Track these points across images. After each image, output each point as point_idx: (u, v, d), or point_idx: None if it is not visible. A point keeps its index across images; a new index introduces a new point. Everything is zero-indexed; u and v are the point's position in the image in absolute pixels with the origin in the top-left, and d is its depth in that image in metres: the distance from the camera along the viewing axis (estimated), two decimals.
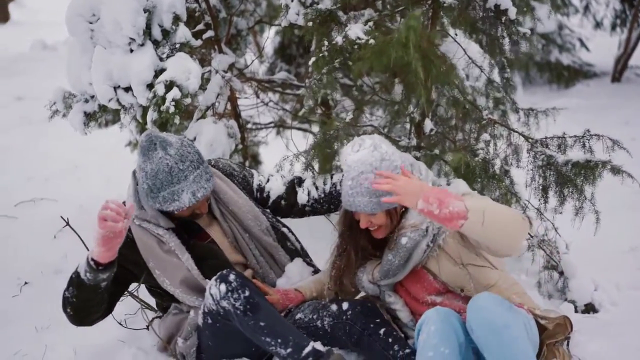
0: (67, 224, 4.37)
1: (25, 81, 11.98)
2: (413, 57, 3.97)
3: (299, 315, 3.95)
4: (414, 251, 3.72)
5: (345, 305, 3.84)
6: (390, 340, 3.70)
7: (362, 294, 4.12)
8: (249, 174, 4.31)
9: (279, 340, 3.55)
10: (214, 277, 3.70)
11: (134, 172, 3.93)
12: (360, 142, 3.69)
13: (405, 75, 4.49)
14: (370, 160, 3.60)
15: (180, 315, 4.00)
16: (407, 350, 3.63)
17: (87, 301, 3.74)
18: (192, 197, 3.79)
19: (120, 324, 4.32)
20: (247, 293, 3.60)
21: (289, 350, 3.53)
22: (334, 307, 3.87)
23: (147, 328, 4.34)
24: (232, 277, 3.65)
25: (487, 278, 3.70)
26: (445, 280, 3.75)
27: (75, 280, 3.69)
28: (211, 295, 3.67)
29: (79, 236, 4.41)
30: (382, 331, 3.72)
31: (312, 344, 3.54)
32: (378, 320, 3.77)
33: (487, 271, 3.71)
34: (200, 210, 3.95)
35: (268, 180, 4.34)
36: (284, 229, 4.27)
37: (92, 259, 3.59)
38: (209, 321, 3.76)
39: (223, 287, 3.62)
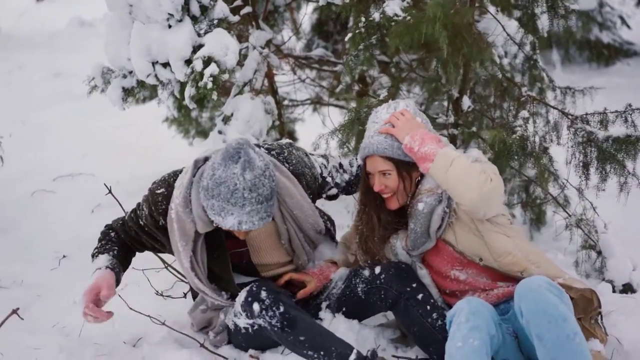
0: (110, 191, 4.39)
1: (63, 57, 12.06)
2: (440, 33, 3.97)
3: (331, 290, 3.98)
4: (432, 217, 3.77)
5: (377, 269, 3.83)
6: (428, 307, 3.70)
7: None
8: (317, 170, 4.09)
9: (322, 353, 3.52)
10: (245, 295, 3.68)
11: (196, 162, 3.74)
12: (394, 104, 3.91)
13: (437, 52, 4.46)
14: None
15: (210, 314, 4.01)
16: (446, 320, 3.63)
17: None
18: (236, 224, 3.54)
19: (157, 293, 4.37)
20: (281, 309, 3.59)
21: None
22: (366, 272, 3.87)
23: (185, 296, 4.37)
24: (263, 294, 3.62)
25: (503, 246, 3.73)
26: (462, 250, 3.78)
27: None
28: (244, 312, 3.67)
29: (120, 205, 4.44)
30: (419, 297, 3.72)
31: (355, 351, 3.51)
32: (414, 284, 3.77)
33: (502, 239, 3.74)
34: (239, 236, 3.76)
35: (328, 169, 4.18)
36: (328, 225, 4.19)
37: None
38: (242, 331, 3.78)
39: (256, 306, 3.60)
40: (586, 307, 3.53)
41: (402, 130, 3.75)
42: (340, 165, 4.24)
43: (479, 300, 3.44)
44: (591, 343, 3.53)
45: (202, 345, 3.93)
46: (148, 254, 4.35)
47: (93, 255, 3.93)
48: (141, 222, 3.87)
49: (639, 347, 3.66)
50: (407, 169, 3.81)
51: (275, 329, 3.57)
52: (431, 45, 4.31)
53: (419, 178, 3.84)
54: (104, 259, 3.87)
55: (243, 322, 3.71)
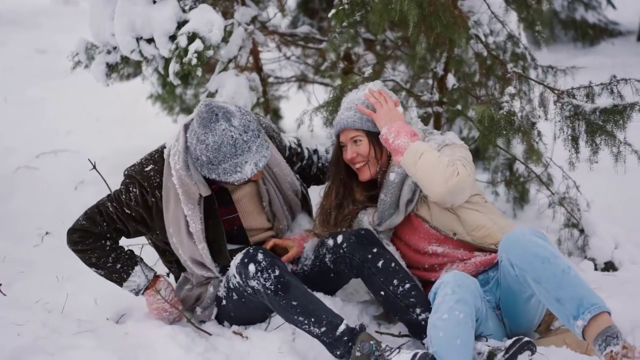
0: (94, 167, 4.35)
1: (46, 34, 12.00)
2: (410, 10, 3.96)
3: (304, 262, 4.02)
4: (403, 187, 3.88)
5: (339, 238, 3.85)
6: (387, 274, 3.73)
7: None
8: (285, 142, 4.21)
9: (312, 319, 3.53)
10: (241, 256, 3.68)
11: (185, 126, 3.77)
12: (363, 87, 4.04)
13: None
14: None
15: (197, 290, 4.02)
16: (407, 285, 3.69)
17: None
18: (254, 167, 3.66)
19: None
20: (277, 272, 3.59)
21: (323, 329, 3.51)
22: (330, 241, 3.89)
23: (167, 275, 4.37)
24: (260, 256, 3.63)
25: (475, 220, 3.84)
26: (436, 225, 3.88)
27: (111, 281, 3.96)
28: (239, 274, 3.67)
29: (104, 180, 4.41)
30: (380, 263, 3.74)
31: (344, 321, 3.53)
32: (375, 249, 3.79)
33: (474, 214, 3.85)
34: (256, 177, 3.83)
35: (299, 146, 4.30)
36: (304, 190, 4.25)
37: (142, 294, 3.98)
38: (234, 297, 3.79)
39: (252, 267, 3.60)
40: None
41: (382, 119, 3.87)
42: (315, 150, 4.34)
43: (463, 274, 3.47)
44: None
45: (189, 321, 3.94)
46: None
47: (121, 271, 3.91)
48: (128, 211, 3.85)
49: (620, 325, 3.67)
50: (377, 138, 3.91)
51: (269, 292, 3.57)
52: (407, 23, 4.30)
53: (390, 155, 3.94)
54: (141, 268, 3.97)
55: (237, 284, 3.71)
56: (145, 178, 3.82)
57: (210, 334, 3.89)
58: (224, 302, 3.88)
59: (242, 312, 3.86)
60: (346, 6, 4.35)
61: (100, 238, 3.88)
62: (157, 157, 3.86)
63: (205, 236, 3.84)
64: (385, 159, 3.97)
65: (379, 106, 3.89)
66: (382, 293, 3.73)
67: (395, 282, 3.70)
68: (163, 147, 3.89)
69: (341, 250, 3.82)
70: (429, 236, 3.91)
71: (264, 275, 3.57)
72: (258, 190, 4.02)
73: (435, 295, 3.43)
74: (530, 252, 3.37)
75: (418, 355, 3.29)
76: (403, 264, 3.89)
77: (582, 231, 4.77)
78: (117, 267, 3.88)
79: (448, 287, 3.36)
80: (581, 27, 11.00)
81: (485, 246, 3.81)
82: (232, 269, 3.72)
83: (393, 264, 3.75)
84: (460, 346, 3.25)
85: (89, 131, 7.87)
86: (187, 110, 7.21)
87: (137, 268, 3.92)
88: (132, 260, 3.93)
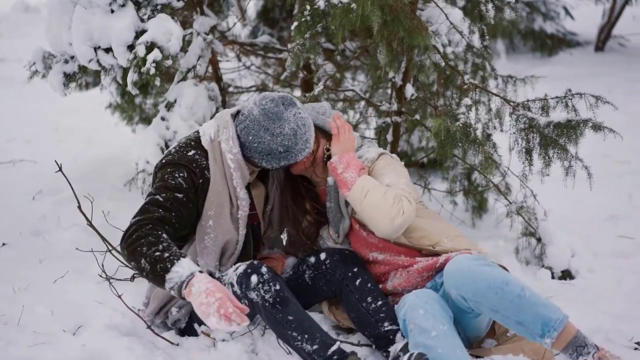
0: (60, 169, 4.29)
1: (6, 43, 11.90)
2: (373, 13, 3.98)
3: (282, 275, 4.03)
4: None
5: (323, 255, 3.90)
6: (363, 292, 3.78)
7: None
8: None
9: (306, 336, 3.52)
10: (244, 267, 3.66)
11: (232, 116, 3.80)
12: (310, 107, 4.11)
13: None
14: (324, 105, 4.13)
15: None
16: (379, 302, 3.73)
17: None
18: (313, 139, 3.82)
19: (106, 278, 4.31)
20: (278, 287, 3.58)
21: (315, 347, 3.50)
22: (312, 259, 3.93)
23: (132, 280, 4.33)
24: (264, 269, 3.62)
25: (413, 223, 3.81)
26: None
27: (156, 279, 3.44)
28: (239, 284, 3.64)
29: (69, 183, 4.35)
30: (358, 282, 3.80)
31: (338, 343, 3.53)
32: (356, 269, 3.84)
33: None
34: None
35: None
36: None
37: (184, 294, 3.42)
38: None
39: (254, 277, 3.59)
40: None
41: (339, 145, 3.89)
42: None
43: (422, 290, 3.53)
44: None
45: (149, 327, 3.91)
46: (90, 240, 4.29)
47: (167, 260, 3.42)
48: (180, 195, 3.67)
49: None
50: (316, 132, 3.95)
51: (267, 304, 3.56)
52: (370, 28, 4.32)
53: (328, 149, 3.97)
54: (190, 262, 3.46)
55: (234, 294, 3.63)
56: (192, 161, 3.74)
57: (172, 343, 3.86)
58: None
59: None
60: (308, 18, 4.36)
61: (157, 223, 3.58)
62: (195, 144, 3.81)
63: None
64: (321, 153, 3.97)
65: (341, 131, 3.93)
66: (355, 310, 3.78)
67: (369, 299, 3.75)
68: (197, 136, 3.84)
69: (323, 267, 3.88)
70: (368, 244, 3.95)
71: (265, 288, 3.57)
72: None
73: (405, 322, 3.47)
74: (482, 285, 3.36)
75: None
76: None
77: (539, 240, 4.81)
78: (164, 256, 3.43)
79: (419, 309, 3.40)
80: (540, 37, 11.16)
81: (423, 247, 3.82)
82: (232, 278, 3.68)
83: (369, 284, 3.80)
84: (461, 355, 3.30)
85: (47, 141, 7.80)
86: (147, 119, 7.14)
87: (184, 260, 3.44)
88: (179, 253, 3.49)
